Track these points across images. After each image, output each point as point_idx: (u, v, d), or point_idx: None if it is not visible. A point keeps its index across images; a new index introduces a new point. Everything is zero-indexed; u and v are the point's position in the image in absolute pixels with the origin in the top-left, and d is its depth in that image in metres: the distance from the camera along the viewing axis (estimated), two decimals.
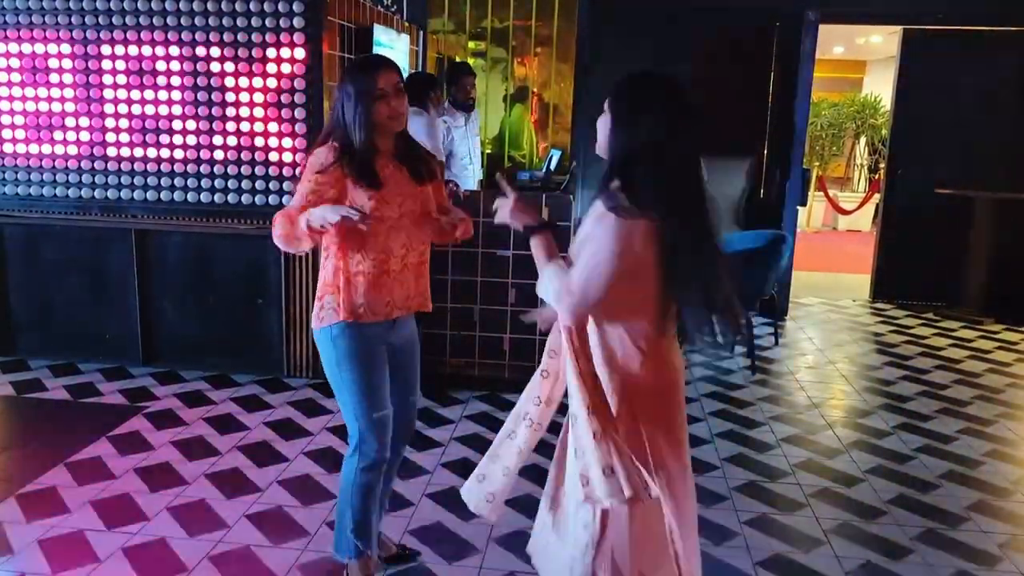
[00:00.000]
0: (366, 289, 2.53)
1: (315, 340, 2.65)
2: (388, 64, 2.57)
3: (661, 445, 1.99)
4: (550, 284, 1.95)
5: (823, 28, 6.57)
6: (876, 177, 12.07)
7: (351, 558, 2.73)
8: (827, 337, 6.26)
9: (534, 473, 3.69)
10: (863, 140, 13.36)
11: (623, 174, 1.90)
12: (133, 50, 4.60)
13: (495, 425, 4.25)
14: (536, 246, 2.04)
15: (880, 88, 12.80)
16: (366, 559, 2.73)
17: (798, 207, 6.88)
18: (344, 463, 2.70)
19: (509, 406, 4.45)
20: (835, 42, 12.35)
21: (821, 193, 11.21)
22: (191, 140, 4.64)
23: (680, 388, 2.08)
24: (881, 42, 11.49)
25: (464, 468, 3.74)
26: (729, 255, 2.03)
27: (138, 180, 4.73)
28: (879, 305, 7.30)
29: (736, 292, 1.98)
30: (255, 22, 4.47)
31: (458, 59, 7.01)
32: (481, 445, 4.00)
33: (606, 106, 1.99)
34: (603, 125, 1.99)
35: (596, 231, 1.88)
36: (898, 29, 7.15)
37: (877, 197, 8.98)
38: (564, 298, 1.91)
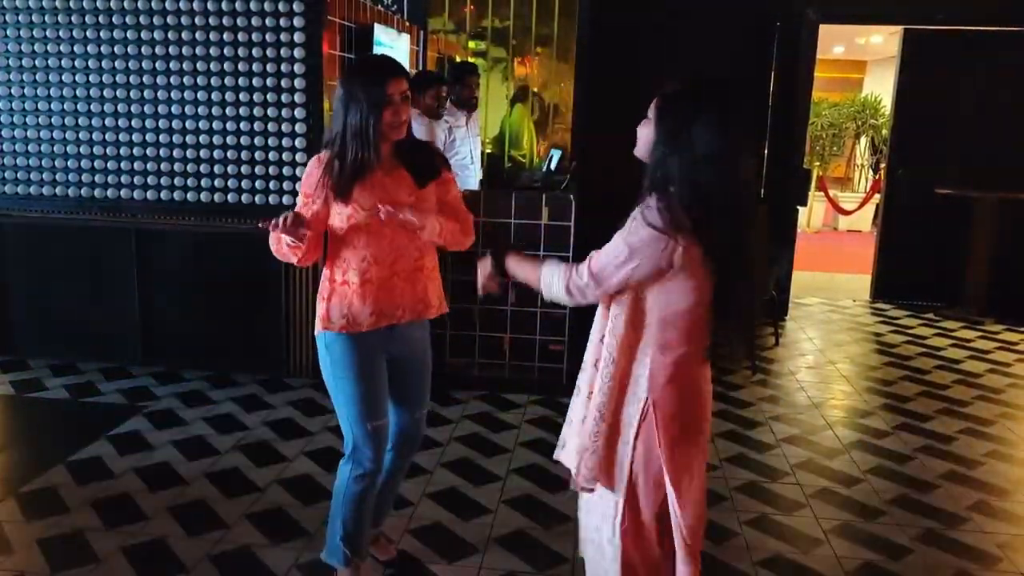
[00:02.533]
0: (350, 300, 2.48)
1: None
2: (398, 70, 2.43)
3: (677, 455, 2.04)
4: (553, 277, 2.05)
5: (823, 28, 6.58)
6: (877, 177, 12.07)
7: (340, 565, 2.67)
8: (827, 337, 6.26)
9: (534, 473, 3.70)
10: (863, 140, 13.36)
11: (661, 189, 1.93)
12: (132, 49, 4.60)
13: (495, 425, 4.25)
14: (516, 263, 2.16)
15: (880, 88, 12.81)
16: (355, 567, 2.67)
17: (798, 207, 6.88)
18: (339, 469, 2.65)
19: (509, 406, 4.49)
20: (835, 42, 12.35)
21: (821, 193, 11.21)
22: (191, 139, 4.63)
23: (701, 423, 2.10)
24: (881, 42, 11.50)
25: (464, 468, 3.74)
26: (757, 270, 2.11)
27: (138, 179, 4.73)
28: (879, 305, 7.29)
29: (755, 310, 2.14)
30: (255, 22, 4.46)
31: (458, 59, 7.00)
32: (481, 445, 4.00)
33: (650, 113, 1.98)
34: (645, 133, 1.99)
35: (629, 226, 1.95)
36: (898, 29, 7.15)
37: (877, 197, 8.98)
38: (565, 281, 2.02)
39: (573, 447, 2.13)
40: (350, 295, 2.49)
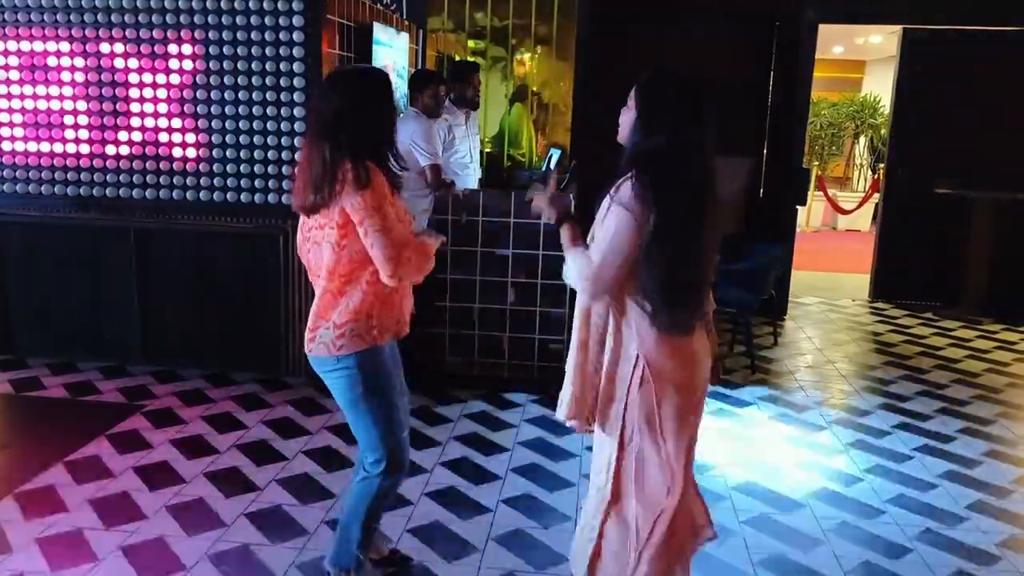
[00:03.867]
0: (397, 306, 2.54)
1: (322, 368, 2.53)
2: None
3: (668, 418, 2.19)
4: (573, 265, 2.19)
5: (822, 28, 6.57)
6: (876, 177, 12.08)
7: (352, 571, 2.67)
8: (826, 336, 6.26)
9: (532, 473, 3.70)
10: (862, 140, 13.37)
11: (639, 168, 2.10)
12: (133, 48, 4.60)
13: (494, 424, 4.25)
14: (564, 234, 2.27)
15: (878, 88, 12.82)
16: (366, 568, 2.71)
17: (797, 207, 6.88)
18: (364, 483, 2.63)
19: (508, 405, 4.49)
20: (834, 42, 12.35)
21: (820, 193, 11.21)
22: (190, 138, 4.63)
23: (696, 385, 2.24)
24: (880, 42, 11.50)
25: (463, 467, 3.74)
26: (718, 257, 2.24)
27: (137, 179, 4.73)
28: (878, 304, 7.29)
29: (711, 291, 2.28)
30: (254, 20, 4.46)
31: (457, 58, 7.00)
32: (480, 444, 4.00)
33: (631, 100, 2.17)
34: (626, 118, 2.19)
35: (610, 222, 2.11)
36: (897, 29, 7.15)
37: (876, 197, 8.98)
38: (583, 280, 2.16)
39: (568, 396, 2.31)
40: (399, 300, 2.54)
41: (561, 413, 2.31)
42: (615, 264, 2.10)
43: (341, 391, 2.54)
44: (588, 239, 2.24)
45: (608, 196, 2.14)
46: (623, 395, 2.19)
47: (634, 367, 2.17)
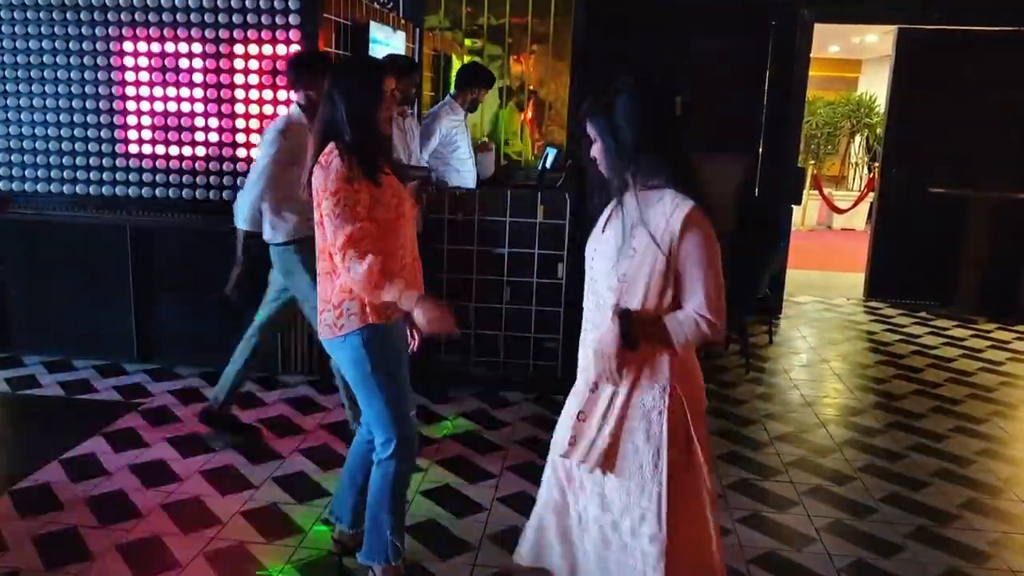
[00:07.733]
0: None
1: (332, 349, 2.58)
2: (390, 66, 2.57)
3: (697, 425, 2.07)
4: (685, 331, 1.96)
5: (818, 27, 6.59)
6: (871, 176, 12.10)
7: (388, 561, 2.66)
8: (821, 335, 6.28)
9: (529, 471, 3.71)
10: (858, 139, 13.40)
11: (682, 189, 1.98)
12: (129, 47, 4.60)
13: (490, 423, 4.26)
14: (658, 334, 1.98)
15: (875, 87, 12.85)
16: (402, 558, 2.70)
17: (793, 206, 6.89)
18: (379, 469, 2.62)
19: (504, 404, 4.49)
20: (831, 41, 12.37)
21: (816, 191, 11.23)
22: (187, 137, 4.64)
23: (703, 399, 2.16)
24: (877, 41, 11.52)
25: (459, 465, 3.75)
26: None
27: (134, 176, 4.73)
28: (873, 303, 7.32)
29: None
30: (251, 19, 4.47)
31: (455, 58, 7.00)
32: (476, 443, 4.01)
33: (590, 132, 2.09)
34: (597, 150, 2.11)
35: (699, 249, 1.94)
36: (893, 28, 7.16)
37: (872, 196, 9.00)
38: (714, 323, 1.94)
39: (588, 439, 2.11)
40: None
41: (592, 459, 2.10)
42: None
43: (349, 369, 2.58)
44: (619, 250, 2.03)
45: (660, 219, 1.96)
46: (657, 427, 2.02)
47: (666, 394, 2.01)
